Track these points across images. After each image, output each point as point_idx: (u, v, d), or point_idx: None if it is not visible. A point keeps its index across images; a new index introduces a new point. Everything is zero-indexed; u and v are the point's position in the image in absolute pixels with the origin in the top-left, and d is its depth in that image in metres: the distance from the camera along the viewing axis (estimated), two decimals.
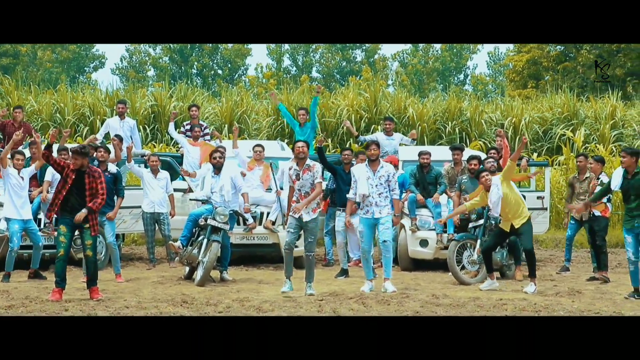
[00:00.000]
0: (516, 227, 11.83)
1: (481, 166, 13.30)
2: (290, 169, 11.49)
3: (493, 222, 12.52)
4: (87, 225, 10.86)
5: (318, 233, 11.58)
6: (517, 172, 13.50)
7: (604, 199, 12.92)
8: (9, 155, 12.95)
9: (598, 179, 13.01)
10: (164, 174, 14.52)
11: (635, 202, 11.06)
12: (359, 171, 11.75)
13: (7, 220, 12.69)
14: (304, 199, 11.22)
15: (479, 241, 12.60)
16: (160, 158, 14.98)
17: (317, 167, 11.40)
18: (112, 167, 13.39)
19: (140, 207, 14.56)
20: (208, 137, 16.98)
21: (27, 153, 13.73)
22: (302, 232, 11.38)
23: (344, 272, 13.43)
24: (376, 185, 11.63)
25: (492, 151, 14.48)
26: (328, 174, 13.98)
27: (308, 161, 11.37)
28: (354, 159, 14.18)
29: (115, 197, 13.24)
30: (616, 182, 11.29)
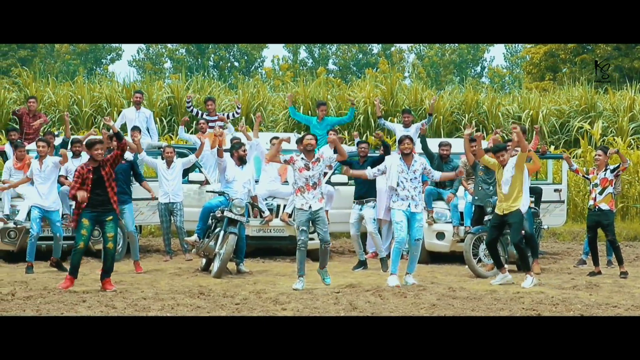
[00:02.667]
0: (505, 211, 11.71)
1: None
2: (297, 156, 11.44)
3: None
4: (110, 218, 10.90)
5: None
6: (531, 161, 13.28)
7: (610, 189, 12.80)
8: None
9: (606, 170, 12.81)
10: (178, 161, 14.55)
11: None
12: (392, 162, 11.66)
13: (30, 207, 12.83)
14: (310, 189, 11.19)
15: None
16: (176, 150, 15.01)
17: (327, 153, 11.39)
18: (127, 155, 13.25)
19: (157, 198, 14.60)
20: (221, 123, 16.94)
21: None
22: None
23: (362, 264, 13.43)
24: (411, 180, 11.54)
25: (509, 143, 14.38)
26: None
27: (316, 153, 11.42)
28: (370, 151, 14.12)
29: (137, 184, 13.30)
30: None
